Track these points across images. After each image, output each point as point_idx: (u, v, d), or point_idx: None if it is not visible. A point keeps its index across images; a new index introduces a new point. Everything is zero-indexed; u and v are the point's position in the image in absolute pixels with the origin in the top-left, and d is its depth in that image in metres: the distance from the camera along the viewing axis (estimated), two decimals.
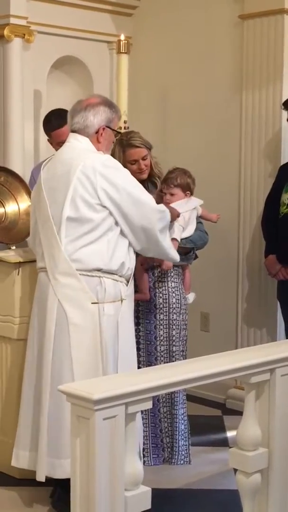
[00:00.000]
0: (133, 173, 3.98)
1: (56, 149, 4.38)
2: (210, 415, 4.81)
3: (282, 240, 4.37)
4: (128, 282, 3.43)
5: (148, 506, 2.48)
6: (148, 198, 3.42)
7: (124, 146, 3.96)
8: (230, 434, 4.39)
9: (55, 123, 4.34)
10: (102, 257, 3.28)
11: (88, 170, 3.25)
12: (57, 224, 3.29)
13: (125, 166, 3.95)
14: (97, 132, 3.38)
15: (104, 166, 3.29)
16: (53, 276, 3.31)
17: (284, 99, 4.52)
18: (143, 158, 3.96)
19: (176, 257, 3.60)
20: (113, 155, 3.96)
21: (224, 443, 4.31)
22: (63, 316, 3.28)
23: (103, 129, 3.39)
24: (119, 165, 3.40)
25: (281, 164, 4.60)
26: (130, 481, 2.42)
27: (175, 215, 3.73)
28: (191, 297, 4.12)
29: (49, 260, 3.34)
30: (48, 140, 4.51)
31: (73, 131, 3.42)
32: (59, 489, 3.38)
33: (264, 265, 4.55)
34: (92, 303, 3.28)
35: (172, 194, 3.97)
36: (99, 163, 3.28)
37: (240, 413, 2.93)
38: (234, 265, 4.96)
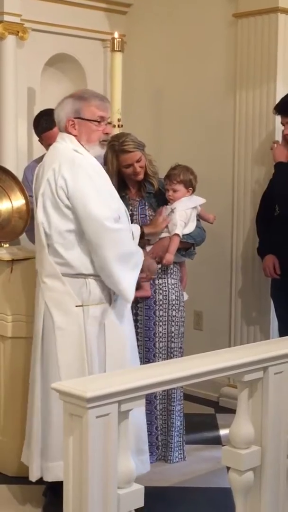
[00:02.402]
0: (129, 176, 4.00)
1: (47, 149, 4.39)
2: (203, 413, 4.82)
3: (275, 236, 4.36)
4: None
5: (141, 504, 2.48)
6: (103, 211, 3.23)
7: (116, 152, 3.94)
8: (223, 432, 4.40)
9: (45, 125, 4.32)
10: (83, 260, 3.26)
11: (56, 174, 3.23)
12: (45, 228, 3.29)
13: (119, 171, 3.97)
14: (66, 126, 3.34)
15: (70, 167, 3.24)
16: (41, 279, 3.33)
17: (278, 98, 4.53)
18: (137, 161, 3.95)
19: (131, 298, 3.34)
20: (105, 160, 3.97)
21: (217, 441, 4.32)
22: (49, 320, 3.30)
23: (72, 120, 3.32)
24: (87, 167, 3.29)
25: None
26: (123, 479, 2.42)
27: (152, 269, 3.67)
28: (185, 295, 4.14)
29: (39, 264, 3.37)
30: (38, 140, 4.51)
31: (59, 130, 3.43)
32: (50, 492, 3.38)
33: (264, 266, 4.49)
34: (76, 306, 3.27)
35: (175, 190, 4.00)
36: (65, 164, 3.23)
37: (233, 411, 2.93)
38: (227, 264, 4.96)
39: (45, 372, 3.31)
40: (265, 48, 4.67)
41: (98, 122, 3.36)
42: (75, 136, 3.33)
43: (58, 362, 3.26)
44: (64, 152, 3.30)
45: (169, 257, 3.91)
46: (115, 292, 3.31)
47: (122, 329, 3.39)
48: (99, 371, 3.29)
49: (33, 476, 3.32)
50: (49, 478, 3.27)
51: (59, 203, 3.23)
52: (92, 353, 3.28)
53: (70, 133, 3.33)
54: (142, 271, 3.41)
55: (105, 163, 4.00)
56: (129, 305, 3.42)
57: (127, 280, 3.27)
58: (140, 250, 3.44)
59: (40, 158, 4.46)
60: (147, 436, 3.49)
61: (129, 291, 3.29)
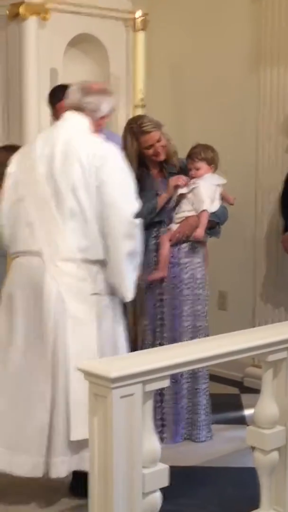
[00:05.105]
0: (150, 157, 3.99)
1: None
2: (227, 393, 4.82)
3: None
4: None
5: (166, 483, 2.49)
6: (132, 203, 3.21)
7: (136, 134, 3.95)
8: (247, 412, 4.40)
9: (61, 96, 4.33)
10: (101, 247, 3.16)
11: (90, 157, 3.13)
12: (61, 209, 3.13)
13: (140, 153, 3.97)
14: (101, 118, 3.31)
15: (107, 150, 3.19)
16: (53, 263, 3.12)
17: None
18: (158, 141, 3.96)
19: (131, 296, 3.25)
20: (124, 144, 3.97)
21: (242, 421, 4.32)
22: (60, 307, 3.10)
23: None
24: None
25: None
26: (147, 459, 2.43)
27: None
28: None
29: (48, 245, 3.15)
30: (51, 115, 4.48)
31: (78, 108, 3.29)
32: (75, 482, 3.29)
33: (281, 242, 4.53)
34: (92, 294, 3.15)
35: (197, 168, 4.00)
36: (102, 147, 3.18)
37: (257, 391, 2.93)
38: (251, 244, 4.94)
39: (52, 358, 3.09)
40: None
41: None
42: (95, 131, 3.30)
43: (67, 352, 3.07)
44: (87, 135, 3.24)
45: (200, 231, 3.91)
46: (116, 287, 3.20)
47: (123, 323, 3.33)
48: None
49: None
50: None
51: (90, 184, 3.12)
52: (105, 344, 3.17)
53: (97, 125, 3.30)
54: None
55: (124, 148, 4.01)
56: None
57: (131, 278, 3.21)
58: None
59: None
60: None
61: (131, 288, 3.22)
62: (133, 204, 3.18)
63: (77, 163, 3.13)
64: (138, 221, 3.19)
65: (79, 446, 3.06)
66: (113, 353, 3.18)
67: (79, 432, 3.02)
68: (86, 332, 3.11)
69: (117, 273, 3.17)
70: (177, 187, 3.98)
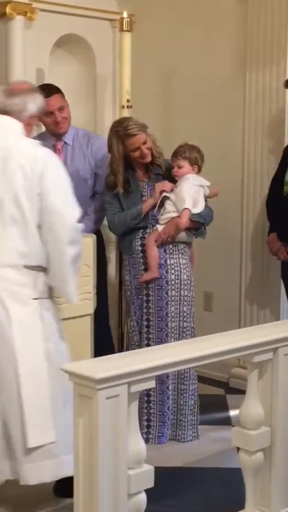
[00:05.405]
0: (136, 159, 4.01)
1: (46, 123, 4.41)
2: (213, 394, 4.82)
3: (283, 218, 4.37)
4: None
5: (151, 484, 2.50)
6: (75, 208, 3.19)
7: (122, 137, 3.97)
8: (233, 413, 4.40)
9: (44, 93, 4.33)
10: (42, 252, 3.14)
11: (31, 162, 3.10)
12: (1, 215, 3.11)
13: (126, 156, 3.98)
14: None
15: (47, 156, 3.17)
16: None
17: None
18: (144, 143, 3.98)
19: (76, 299, 3.24)
20: (110, 147, 3.99)
21: (227, 421, 4.32)
22: (4, 312, 3.08)
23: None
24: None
25: (286, 143, 4.58)
26: (133, 460, 2.43)
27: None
28: None
29: None
30: None
31: (4, 112, 3.21)
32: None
33: (266, 243, 4.54)
34: (33, 298, 3.13)
35: (179, 166, 4.02)
36: (41, 152, 3.16)
37: (243, 392, 2.94)
38: (237, 245, 4.95)
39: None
40: (275, 25, 4.62)
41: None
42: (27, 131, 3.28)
43: (15, 357, 3.03)
44: (22, 137, 3.22)
45: (183, 220, 3.90)
46: (60, 291, 3.20)
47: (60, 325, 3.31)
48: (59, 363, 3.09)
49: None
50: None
51: (33, 191, 3.10)
52: (49, 347, 3.14)
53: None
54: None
55: (109, 150, 4.02)
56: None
57: (74, 281, 3.19)
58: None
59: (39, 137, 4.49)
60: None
61: (75, 291, 3.21)
62: (76, 209, 3.17)
63: (19, 169, 3.09)
64: (81, 225, 3.18)
65: (49, 452, 3.02)
66: (59, 357, 3.14)
67: (36, 439, 3.00)
68: (31, 335, 3.10)
69: (60, 278, 3.16)
70: (163, 192, 3.99)
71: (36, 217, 3.11)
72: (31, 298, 3.12)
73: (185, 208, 3.92)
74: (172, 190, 4.00)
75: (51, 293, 3.22)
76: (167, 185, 4.00)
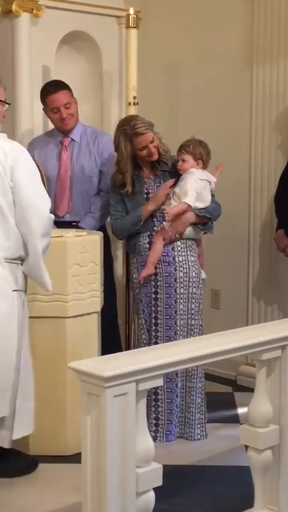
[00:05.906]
0: (143, 157, 3.99)
1: (53, 119, 4.39)
2: (221, 391, 4.81)
3: None
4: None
5: (160, 482, 2.49)
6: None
7: (130, 136, 3.96)
8: (241, 410, 4.39)
9: (50, 89, 4.38)
10: (21, 245, 3.29)
11: (2, 155, 3.21)
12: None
13: (134, 155, 3.96)
14: None
15: (16, 149, 3.28)
16: None
17: None
18: (151, 141, 3.97)
19: (50, 287, 3.41)
20: (117, 146, 3.97)
21: (236, 419, 4.31)
22: None
23: None
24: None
25: None
26: (141, 458, 2.42)
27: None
28: (203, 274, 4.14)
29: None
30: (43, 109, 4.50)
31: None
32: None
33: (274, 240, 4.52)
34: (13, 290, 3.28)
35: (184, 160, 4.01)
36: (9, 146, 3.26)
37: (251, 390, 2.92)
38: (244, 242, 4.93)
39: None
40: (282, 20, 4.60)
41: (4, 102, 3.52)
42: None
43: None
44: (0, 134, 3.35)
45: (171, 210, 3.88)
46: (37, 279, 3.35)
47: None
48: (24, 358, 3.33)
49: None
50: None
51: (6, 184, 3.21)
52: (22, 338, 3.31)
53: None
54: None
55: (116, 149, 4.01)
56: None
57: (46, 270, 3.33)
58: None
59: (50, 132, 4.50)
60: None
61: (49, 280, 3.35)
62: (47, 199, 3.32)
63: None
64: (52, 216, 3.33)
65: None
66: (25, 351, 3.34)
67: None
68: (7, 328, 3.25)
69: (36, 267, 3.31)
70: (167, 195, 3.96)
71: (12, 210, 3.22)
72: (11, 290, 3.26)
73: (183, 202, 3.90)
74: (171, 186, 3.97)
75: (26, 288, 3.37)
76: (167, 186, 3.97)
